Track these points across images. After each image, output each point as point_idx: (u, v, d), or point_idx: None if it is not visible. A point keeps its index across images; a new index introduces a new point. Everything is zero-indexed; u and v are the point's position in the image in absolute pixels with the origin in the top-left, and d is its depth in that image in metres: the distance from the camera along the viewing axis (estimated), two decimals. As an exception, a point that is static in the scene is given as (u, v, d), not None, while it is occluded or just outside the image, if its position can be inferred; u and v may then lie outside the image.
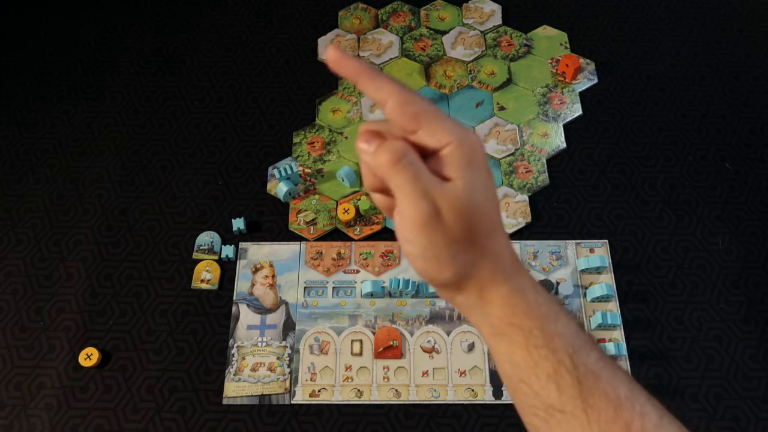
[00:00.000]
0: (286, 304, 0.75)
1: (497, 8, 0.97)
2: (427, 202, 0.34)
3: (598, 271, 0.76)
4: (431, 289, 0.74)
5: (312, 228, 0.79)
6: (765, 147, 0.85)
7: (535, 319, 0.39)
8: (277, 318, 0.74)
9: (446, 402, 0.69)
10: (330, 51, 0.37)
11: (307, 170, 0.83)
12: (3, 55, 0.94)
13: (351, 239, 0.79)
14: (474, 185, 0.35)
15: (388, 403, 0.69)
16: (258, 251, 0.78)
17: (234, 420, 0.69)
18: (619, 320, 0.72)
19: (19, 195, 0.83)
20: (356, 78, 0.37)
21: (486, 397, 0.69)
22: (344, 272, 0.77)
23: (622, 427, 0.38)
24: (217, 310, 0.75)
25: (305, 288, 0.76)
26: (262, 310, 0.74)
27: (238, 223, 0.78)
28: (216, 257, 0.77)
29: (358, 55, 0.93)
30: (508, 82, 0.90)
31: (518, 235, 0.79)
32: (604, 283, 0.73)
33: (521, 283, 0.39)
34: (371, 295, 0.74)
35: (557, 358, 0.38)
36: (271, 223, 0.80)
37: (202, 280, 0.76)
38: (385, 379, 0.70)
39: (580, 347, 0.38)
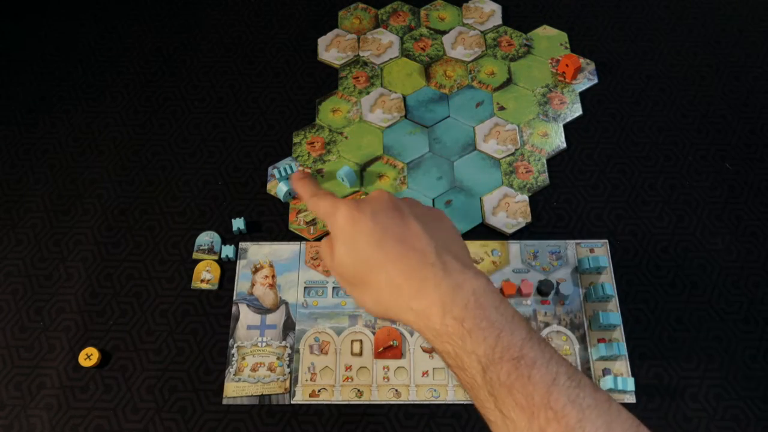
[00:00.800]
0: (286, 304, 0.75)
1: (497, 8, 0.97)
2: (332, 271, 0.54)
3: (598, 271, 0.76)
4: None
5: (312, 228, 0.79)
6: (765, 147, 0.85)
7: (444, 342, 0.43)
8: (277, 318, 0.74)
9: (446, 402, 0.69)
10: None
11: (307, 170, 0.83)
12: (3, 55, 0.94)
13: (351, 239, 0.79)
14: (337, 255, 0.50)
15: (388, 403, 0.69)
16: (258, 251, 0.78)
17: (234, 420, 0.69)
18: (619, 320, 0.72)
19: (19, 195, 0.83)
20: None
21: (486, 397, 0.69)
22: (344, 272, 0.76)
23: None
24: (217, 310, 0.75)
25: (305, 288, 0.76)
26: (262, 310, 0.75)
27: (238, 223, 0.78)
28: (216, 257, 0.77)
29: (358, 55, 0.93)
30: (508, 82, 0.90)
31: (518, 235, 0.79)
32: (604, 283, 0.73)
33: (424, 310, 0.44)
34: (371, 295, 0.74)
35: (469, 375, 0.42)
36: (271, 223, 0.80)
37: (202, 280, 0.76)
38: (385, 379, 0.70)
39: (493, 362, 0.41)
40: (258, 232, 0.80)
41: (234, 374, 0.71)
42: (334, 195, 0.54)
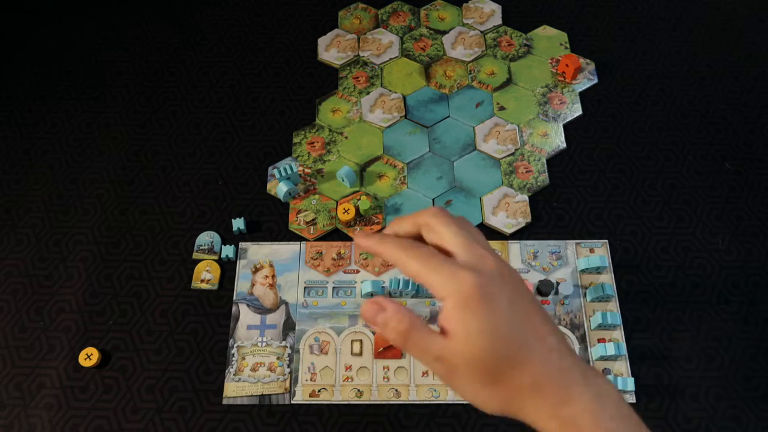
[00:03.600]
0: (286, 304, 0.75)
1: (497, 8, 0.97)
2: (439, 364, 0.38)
3: (598, 271, 0.76)
4: (431, 289, 0.74)
5: (312, 228, 0.79)
6: (765, 147, 0.85)
7: None
8: (277, 318, 0.74)
9: (446, 402, 0.69)
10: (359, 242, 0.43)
11: (307, 170, 0.83)
12: (3, 55, 0.94)
13: (351, 239, 0.79)
14: (470, 334, 0.37)
15: (388, 403, 0.69)
16: (258, 251, 0.78)
17: (234, 420, 0.69)
18: (619, 320, 0.72)
19: (19, 195, 0.83)
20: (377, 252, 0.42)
21: (486, 397, 0.69)
22: (344, 272, 0.77)
23: None
24: (217, 310, 0.75)
25: (305, 288, 0.76)
26: (262, 310, 0.75)
27: (238, 223, 0.78)
28: (216, 257, 0.77)
29: (358, 55, 0.93)
30: (508, 82, 0.90)
31: (518, 235, 0.79)
32: (604, 283, 0.73)
33: (574, 418, 0.38)
34: (371, 295, 0.74)
35: None
36: (271, 223, 0.80)
37: (202, 280, 0.76)
38: (385, 379, 0.70)
39: None
40: (258, 232, 0.80)
41: (234, 374, 0.71)
42: (437, 253, 0.41)
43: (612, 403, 0.39)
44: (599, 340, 0.72)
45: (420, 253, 0.40)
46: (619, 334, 0.72)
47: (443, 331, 0.39)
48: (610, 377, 0.68)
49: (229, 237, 0.79)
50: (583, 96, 0.89)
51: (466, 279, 0.38)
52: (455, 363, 0.38)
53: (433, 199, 0.81)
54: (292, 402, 0.69)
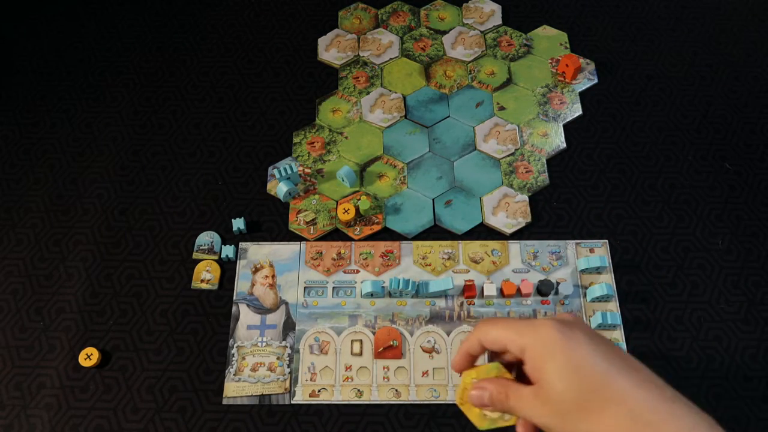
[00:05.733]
0: (286, 304, 0.75)
1: (497, 8, 0.97)
2: (542, 410, 0.40)
3: (598, 271, 0.76)
4: (431, 289, 0.74)
5: (312, 228, 0.79)
6: (765, 147, 0.85)
7: None
8: (277, 318, 0.74)
9: (446, 402, 0.69)
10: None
11: (307, 170, 0.83)
12: (3, 55, 0.94)
13: (351, 239, 0.79)
14: (557, 373, 0.39)
15: (388, 403, 0.69)
16: (258, 251, 0.78)
17: (234, 420, 0.69)
18: (619, 320, 0.72)
19: (19, 195, 0.83)
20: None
21: (486, 397, 0.69)
22: (344, 272, 0.77)
23: None
24: (217, 310, 0.75)
25: (305, 288, 0.76)
26: (262, 310, 0.75)
27: (238, 223, 0.78)
28: (216, 257, 0.77)
29: (358, 55, 0.93)
30: (508, 82, 0.90)
31: (518, 235, 0.79)
32: (604, 283, 0.73)
33: None
34: (371, 295, 0.74)
35: None
36: (271, 223, 0.80)
37: (202, 280, 0.76)
38: (385, 379, 0.70)
39: None
40: (258, 232, 0.80)
41: (234, 374, 0.71)
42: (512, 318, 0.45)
43: None
44: (599, 340, 0.72)
45: (495, 322, 0.43)
46: (619, 334, 0.72)
47: (534, 381, 0.41)
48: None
49: (229, 237, 0.79)
50: (583, 96, 0.89)
51: (544, 325, 0.41)
52: (553, 405, 0.39)
53: (433, 199, 0.81)
54: (292, 402, 0.69)
